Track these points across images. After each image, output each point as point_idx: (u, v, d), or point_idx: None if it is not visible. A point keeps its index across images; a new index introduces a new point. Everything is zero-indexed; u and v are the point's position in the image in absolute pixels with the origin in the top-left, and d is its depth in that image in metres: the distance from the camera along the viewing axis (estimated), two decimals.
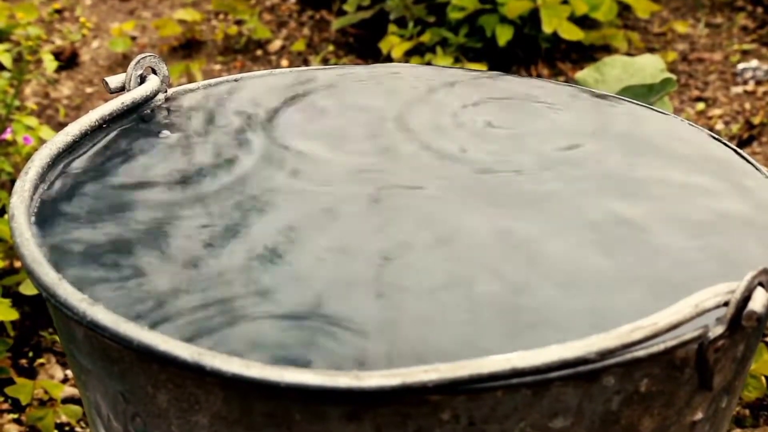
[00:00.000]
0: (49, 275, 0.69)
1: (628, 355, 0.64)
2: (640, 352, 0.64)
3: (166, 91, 0.95)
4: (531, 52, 2.25)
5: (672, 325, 0.64)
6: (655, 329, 0.63)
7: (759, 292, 0.65)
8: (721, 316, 0.66)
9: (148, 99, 0.93)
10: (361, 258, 0.75)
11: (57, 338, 1.45)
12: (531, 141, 0.90)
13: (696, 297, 0.65)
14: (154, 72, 0.94)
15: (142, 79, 0.94)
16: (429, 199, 0.82)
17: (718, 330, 0.66)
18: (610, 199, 0.82)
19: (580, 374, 0.64)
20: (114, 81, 0.92)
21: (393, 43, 2.22)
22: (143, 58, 0.93)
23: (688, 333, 0.66)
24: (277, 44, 2.43)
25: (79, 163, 0.85)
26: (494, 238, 0.77)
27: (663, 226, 0.78)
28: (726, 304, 0.66)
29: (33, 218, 0.78)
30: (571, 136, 0.91)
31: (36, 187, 0.80)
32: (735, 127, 2.01)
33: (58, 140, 0.85)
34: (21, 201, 0.77)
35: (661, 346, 0.65)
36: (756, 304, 0.65)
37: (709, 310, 0.65)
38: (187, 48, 2.43)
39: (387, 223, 0.79)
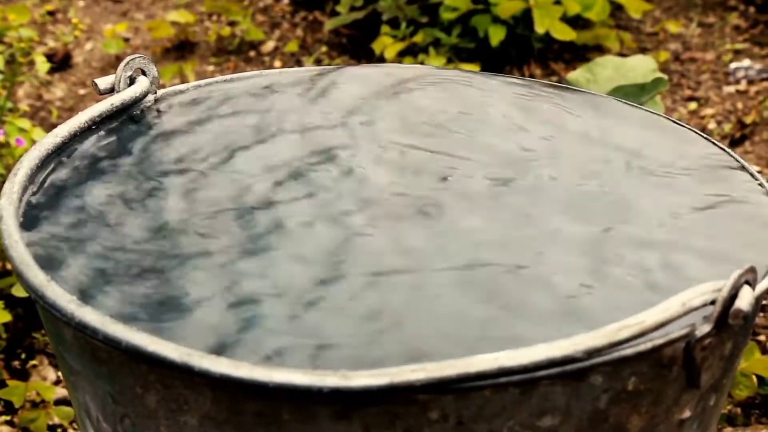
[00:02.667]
0: (37, 277, 0.69)
1: (616, 354, 0.64)
2: (628, 351, 0.65)
3: (155, 92, 0.95)
4: (524, 52, 2.25)
5: (659, 323, 0.64)
6: (642, 328, 0.64)
7: (745, 290, 0.65)
8: (708, 315, 0.66)
9: (137, 100, 0.93)
10: None
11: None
12: None
13: (683, 295, 0.65)
14: (144, 73, 0.94)
15: (132, 81, 0.93)
16: None
17: (705, 328, 0.66)
18: None
19: (568, 373, 0.64)
20: (104, 82, 0.92)
21: (386, 43, 2.22)
22: (133, 59, 0.93)
23: (676, 331, 0.66)
24: (270, 45, 2.43)
25: (68, 165, 0.85)
26: None
27: None
28: (713, 302, 0.66)
29: (21, 220, 0.78)
30: None
31: (25, 189, 0.80)
32: (727, 127, 2.01)
33: (47, 142, 0.85)
34: (10, 203, 0.77)
35: (649, 345, 0.65)
36: (742, 302, 0.65)
37: (696, 309, 0.65)
38: (180, 49, 2.43)
39: None
